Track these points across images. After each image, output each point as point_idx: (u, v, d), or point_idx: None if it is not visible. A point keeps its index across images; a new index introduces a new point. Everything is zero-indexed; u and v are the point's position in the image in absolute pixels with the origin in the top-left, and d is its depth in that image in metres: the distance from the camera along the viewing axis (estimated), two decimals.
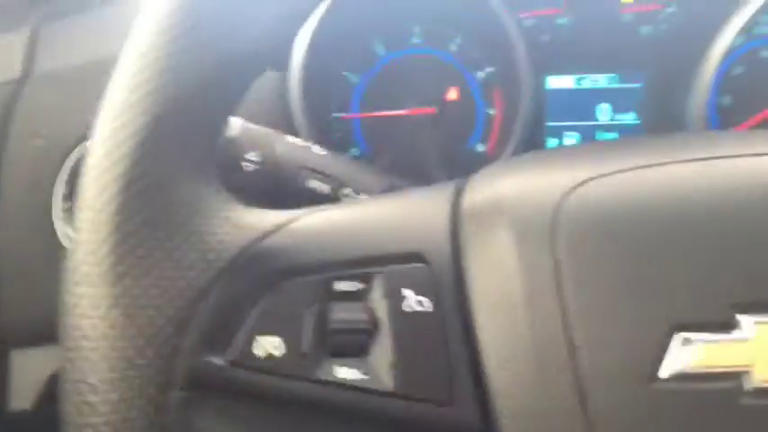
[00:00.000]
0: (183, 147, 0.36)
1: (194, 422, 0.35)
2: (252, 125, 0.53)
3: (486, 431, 0.35)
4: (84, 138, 0.66)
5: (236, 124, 0.52)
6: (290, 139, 0.54)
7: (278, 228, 0.38)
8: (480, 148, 0.74)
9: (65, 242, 0.65)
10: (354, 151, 0.74)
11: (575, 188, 0.36)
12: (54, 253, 0.64)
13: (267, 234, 0.37)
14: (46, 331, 0.61)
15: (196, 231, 0.36)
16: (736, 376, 0.32)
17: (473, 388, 0.35)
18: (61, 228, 0.65)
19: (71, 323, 0.34)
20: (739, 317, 0.33)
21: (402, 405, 0.35)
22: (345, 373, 0.35)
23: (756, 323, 0.32)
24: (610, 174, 0.36)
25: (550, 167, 0.39)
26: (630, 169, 0.36)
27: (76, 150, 0.66)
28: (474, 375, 0.35)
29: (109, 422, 0.34)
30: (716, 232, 0.34)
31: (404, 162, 0.73)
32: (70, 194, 0.66)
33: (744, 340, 0.32)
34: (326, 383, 0.35)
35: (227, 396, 0.35)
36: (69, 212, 0.65)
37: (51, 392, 0.65)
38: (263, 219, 0.38)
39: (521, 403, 0.33)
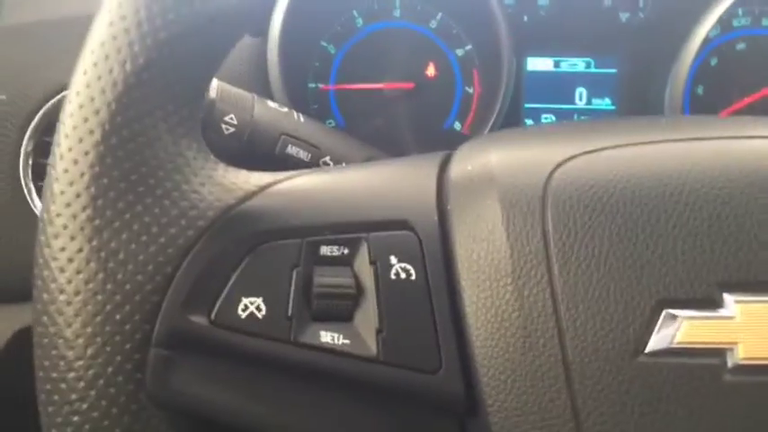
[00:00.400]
0: (167, 99, 0.34)
1: (172, 381, 0.34)
2: (230, 87, 0.52)
3: (469, 400, 0.34)
4: (51, 94, 0.64)
5: (213, 85, 0.51)
6: (270, 103, 0.53)
7: (262, 189, 0.37)
8: (457, 126, 0.73)
9: (30, 199, 0.63)
10: (330, 123, 0.73)
11: (565, 162, 0.36)
12: (19, 210, 0.62)
13: (251, 195, 0.36)
14: (7, 289, 0.59)
15: (178, 188, 0.35)
16: (720, 353, 0.32)
17: (458, 357, 0.34)
18: (27, 184, 0.63)
19: (47, 276, 0.33)
20: (725, 295, 0.33)
21: (385, 372, 0.35)
22: (329, 337, 0.35)
23: (737, 302, 0.33)
24: (601, 149, 0.36)
25: (541, 142, 0.39)
26: (622, 146, 0.36)
27: (44, 107, 0.63)
28: (459, 345, 0.35)
29: (83, 378, 0.32)
30: (704, 211, 0.34)
31: (379, 137, 0.72)
32: (36, 151, 0.63)
33: (729, 318, 0.33)
34: (309, 347, 0.34)
35: (207, 356, 0.34)
36: (35, 168, 0.63)
37: (10, 352, 0.63)
38: (247, 179, 0.37)
39: (506, 374, 0.33)
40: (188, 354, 0.34)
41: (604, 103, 0.73)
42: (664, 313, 0.33)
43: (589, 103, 0.73)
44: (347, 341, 0.35)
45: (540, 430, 0.33)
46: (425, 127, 0.73)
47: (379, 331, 0.35)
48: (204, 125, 0.49)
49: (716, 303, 0.33)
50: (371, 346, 0.35)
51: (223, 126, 0.49)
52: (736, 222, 0.34)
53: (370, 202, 0.37)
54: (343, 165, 0.52)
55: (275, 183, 0.37)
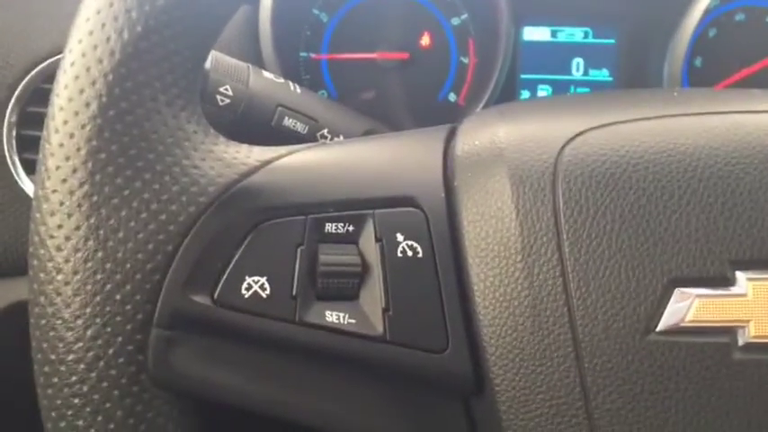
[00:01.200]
0: (166, 69, 0.33)
1: (174, 362, 0.33)
2: (225, 56, 0.50)
3: (476, 380, 0.34)
4: (35, 62, 0.62)
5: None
6: (266, 74, 0.51)
7: (264, 164, 0.36)
8: (452, 97, 0.72)
9: (15, 172, 0.61)
10: (322, 94, 0.71)
11: (576, 137, 0.35)
12: (4, 183, 0.61)
13: (253, 170, 0.35)
14: None
15: (178, 163, 0.33)
16: (731, 331, 0.32)
17: (465, 336, 0.34)
18: (11, 156, 0.61)
19: (43, 254, 0.32)
20: (738, 273, 0.32)
21: (391, 351, 0.34)
22: (334, 317, 0.34)
23: (749, 279, 0.32)
24: (612, 124, 0.35)
25: (550, 116, 0.38)
26: (634, 120, 0.36)
27: (28, 76, 0.61)
28: (466, 324, 0.34)
29: (83, 359, 0.32)
30: (717, 187, 0.33)
31: (372, 108, 0.71)
32: (20, 122, 0.62)
33: (741, 295, 0.32)
34: (314, 327, 0.34)
35: (210, 337, 0.33)
36: (19, 140, 0.61)
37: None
38: (248, 154, 0.36)
39: (514, 353, 0.33)
40: (190, 334, 0.33)
41: (602, 74, 0.72)
42: (675, 291, 0.32)
43: (586, 74, 0.72)
44: (353, 320, 0.34)
45: (548, 409, 0.32)
46: (420, 98, 0.72)
47: (385, 310, 0.34)
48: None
49: (728, 281, 0.32)
50: (377, 325, 0.34)
51: (218, 97, 0.48)
52: (749, 199, 0.33)
53: (376, 179, 0.36)
54: (346, 139, 0.51)
55: (278, 158, 0.36)
